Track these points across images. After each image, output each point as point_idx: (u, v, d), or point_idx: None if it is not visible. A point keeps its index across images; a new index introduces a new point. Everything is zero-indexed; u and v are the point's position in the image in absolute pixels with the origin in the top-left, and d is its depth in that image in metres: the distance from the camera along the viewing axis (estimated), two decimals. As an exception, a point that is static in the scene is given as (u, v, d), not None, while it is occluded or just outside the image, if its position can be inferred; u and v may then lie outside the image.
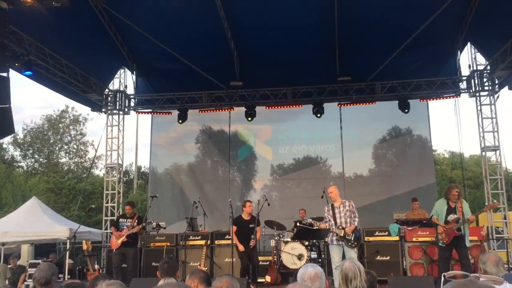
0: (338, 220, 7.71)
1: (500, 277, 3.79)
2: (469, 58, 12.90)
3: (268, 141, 15.61)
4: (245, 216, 8.92)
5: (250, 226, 8.78)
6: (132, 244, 9.41)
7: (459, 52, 13.07)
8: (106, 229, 13.14)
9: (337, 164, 15.06)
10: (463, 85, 13.06)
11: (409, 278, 8.82)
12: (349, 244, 7.56)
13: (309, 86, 13.35)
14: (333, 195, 7.91)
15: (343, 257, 7.42)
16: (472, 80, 12.76)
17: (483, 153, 12.57)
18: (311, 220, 8.48)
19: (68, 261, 11.59)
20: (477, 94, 12.69)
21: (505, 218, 11.92)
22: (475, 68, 12.74)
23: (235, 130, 15.53)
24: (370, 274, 4.70)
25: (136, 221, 9.40)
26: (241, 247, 8.73)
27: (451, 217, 7.58)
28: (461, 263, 7.64)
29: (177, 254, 10.49)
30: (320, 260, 9.79)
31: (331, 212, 7.83)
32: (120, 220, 9.59)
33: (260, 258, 10.38)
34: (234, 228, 8.88)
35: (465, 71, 13.04)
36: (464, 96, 13.11)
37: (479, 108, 12.66)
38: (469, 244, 7.62)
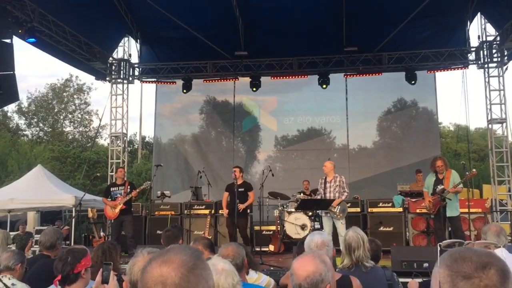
0: (327, 194, 8.32)
1: (502, 246, 3.81)
2: (478, 29, 12.69)
3: (272, 112, 15.55)
4: (236, 182, 8.90)
5: (239, 190, 8.74)
6: (129, 211, 9.28)
7: (468, 23, 12.82)
8: (111, 197, 13.23)
9: (342, 136, 15.03)
10: (471, 56, 12.87)
11: (412, 248, 8.88)
12: (335, 216, 8.21)
13: (315, 57, 13.18)
14: (326, 170, 8.46)
15: (333, 227, 8.23)
16: (481, 51, 12.57)
17: (490, 125, 12.49)
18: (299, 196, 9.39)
19: (66, 227, 11.72)
20: (486, 65, 12.52)
21: (509, 191, 11.93)
22: (484, 39, 12.52)
23: (239, 100, 15.46)
24: (374, 242, 4.71)
25: (129, 187, 9.21)
26: (225, 212, 8.89)
27: (438, 188, 7.64)
28: (453, 233, 7.75)
29: (182, 222, 10.57)
30: (323, 230, 9.85)
31: (323, 185, 8.45)
32: (112, 189, 9.30)
33: (263, 227, 10.49)
34: (226, 194, 9.02)
35: (474, 42, 12.86)
36: (472, 67, 12.98)
37: (487, 80, 12.51)
38: (455, 214, 7.62)
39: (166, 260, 1.26)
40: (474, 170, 8.05)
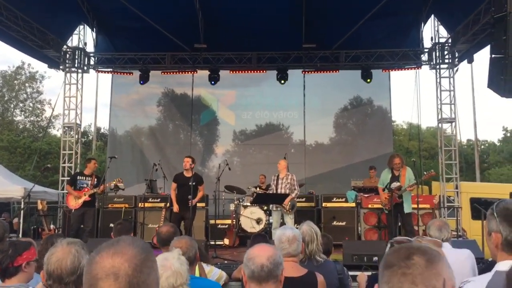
0: (279, 190, 8.76)
1: (444, 240, 3.98)
2: (431, 31, 13.09)
3: (231, 106, 15.54)
4: (186, 173, 8.72)
5: (190, 183, 8.48)
6: (93, 204, 9.11)
7: (422, 24, 13.23)
8: (62, 189, 12.87)
9: (299, 132, 15.21)
10: (424, 57, 13.28)
11: (363, 242, 9.10)
12: (285, 211, 8.66)
13: (274, 52, 13.25)
14: (280, 167, 8.99)
15: (282, 222, 8.62)
16: (433, 53, 12.98)
17: (440, 124, 12.92)
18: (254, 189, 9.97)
19: (15, 220, 11.34)
20: (438, 66, 12.94)
21: (456, 188, 12.41)
22: (437, 41, 12.94)
23: (198, 94, 15.36)
24: (326, 237, 4.81)
25: (96, 180, 9.06)
26: (175, 208, 8.63)
27: (394, 184, 7.90)
28: (404, 229, 8.03)
29: (136, 216, 10.43)
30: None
31: (275, 181, 8.90)
32: (79, 177, 9.07)
33: (219, 221, 10.49)
34: (174, 185, 8.78)
35: (427, 44, 13.27)
36: (425, 68, 13.38)
37: (438, 80, 12.93)
38: (410, 210, 7.94)
39: (118, 251, 1.24)
40: (432, 170, 8.35)
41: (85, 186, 8.90)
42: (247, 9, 12.07)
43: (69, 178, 9.14)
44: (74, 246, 2.13)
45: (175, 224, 8.28)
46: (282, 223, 8.57)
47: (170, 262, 2.59)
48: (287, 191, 8.71)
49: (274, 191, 8.81)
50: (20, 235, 10.05)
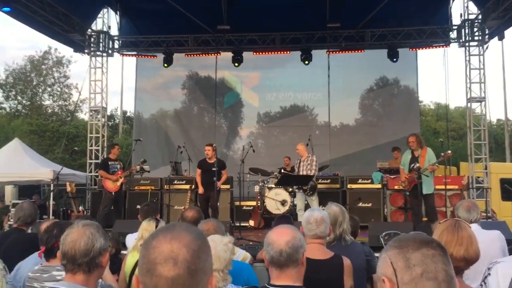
0: (301, 173, 9.03)
1: (473, 221, 3.89)
2: (461, 7, 12.67)
3: (255, 87, 15.48)
4: (209, 160, 8.92)
5: (213, 169, 8.69)
6: (121, 187, 9.47)
7: (451, 0, 12.82)
8: (90, 172, 13.10)
9: (324, 113, 15.07)
10: (453, 34, 12.89)
11: (389, 223, 9.02)
12: (306, 192, 8.89)
13: (298, 32, 13.06)
14: (299, 151, 9.22)
15: (306, 204, 8.78)
16: (463, 30, 12.58)
17: (469, 104, 12.59)
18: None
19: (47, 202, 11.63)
20: (467, 44, 12.56)
21: (485, 169, 12.14)
22: (466, 18, 12.53)
23: (222, 76, 15.34)
24: (353, 219, 4.75)
25: (121, 163, 9.40)
26: (200, 189, 8.89)
27: (414, 165, 7.75)
28: (425, 210, 7.92)
29: (162, 198, 10.55)
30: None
31: (298, 165, 9.22)
32: (110, 163, 9.39)
33: (244, 203, 10.53)
34: (199, 171, 9.00)
35: (456, 20, 12.86)
36: (454, 46, 13.00)
37: (467, 58, 12.56)
38: (429, 191, 7.74)
39: (175, 236, 1.25)
40: (449, 151, 8.16)
41: (116, 170, 9.23)
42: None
43: (99, 164, 9.41)
44: (89, 228, 2.15)
45: (200, 207, 8.48)
46: (307, 205, 8.57)
47: (214, 245, 2.63)
48: (307, 172, 8.87)
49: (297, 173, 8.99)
50: (50, 217, 10.31)
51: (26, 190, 14.78)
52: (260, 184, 10.52)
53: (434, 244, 1.31)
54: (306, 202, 8.88)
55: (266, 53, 13.49)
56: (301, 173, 8.99)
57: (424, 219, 8.00)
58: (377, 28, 12.72)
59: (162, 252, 1.22)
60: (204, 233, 1.35)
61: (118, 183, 9.19)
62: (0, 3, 9.49)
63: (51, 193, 10.98)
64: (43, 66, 33.01)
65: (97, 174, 12.93)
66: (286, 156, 11.77)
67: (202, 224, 3.48)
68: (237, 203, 10.27)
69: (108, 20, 13.85)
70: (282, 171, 10.90)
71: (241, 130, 15.71)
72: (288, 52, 13.53)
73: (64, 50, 33.10)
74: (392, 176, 10.14)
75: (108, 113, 14.83)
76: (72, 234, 2.13)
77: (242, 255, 4.07)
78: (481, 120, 12.45)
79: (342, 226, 3.60)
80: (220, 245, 2.73)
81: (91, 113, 13.90)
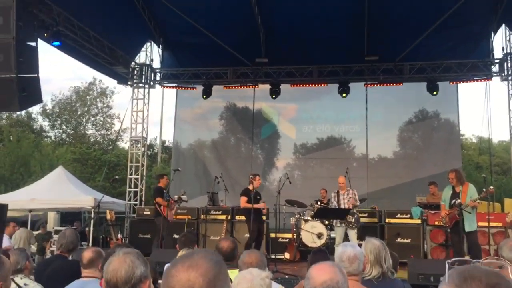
0: (342, 206, 8.84)
1: None
2: (503, 40, 12.49)
3: (292, 119, 15.55)
4: (252, 189, 8.89)
5: (258, 198, 8.84)
6: None
7: (492, 34, 12.65)
8: (129, 200, 13.37)
9: (361, 145, 14.94)
10: (495, 68, 12.68)
11: (429, 261, 8.77)
12: (350, 225, 8.73)
13: (335, 65, 13.14)
14: (343, 184, 9.08)
15: (345, 237, 8.65)
16: (505, 63, 12.37)
17: (512, 138, 12.24)
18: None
19: (86, 229, 11.85)
20: (509, 77, 12.31)
21: (531, 206, 11.64)
22: (508, 51, 12.32)
23: (259, 107, 15.50)
24: (392, 255, 4.65)
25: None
26: (263, 206, 8.99)
27: (455, 201, 7.53)
28: (468, 248, 7.65)
29: (198, 227, 10.62)
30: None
31: (336, 198, 9.02)
32: (164, 191, 9.58)
33: (279, 235, 10.45)
34: (246, 199, 8.88)
35: (498, 54, 12.66)
36: (496, 79, 12.77)
37: (510, 92, 12.29)
38: (472, 228, 7.48)
39: (192, 265, 1.29)
40: (491, 187, 7.92)
41: (169, 198, 9.40)
42: (308, 23, 12.10)
43: (155, 192, 9.51)
44: (130, 256, 2.19)
45: (251, 237, 8.51)
46: (346, 239, 8.42)
47: (251, 277, 2.63)
48: (350, 205, 8.75)
49: (337, 207, 8.86)
50: (90, 244, 10.52)
51: (68, 216, 15.16)
52: (296, 216, 10.45)
53: None
54: (345, 236, 8.72)
55: (304, 85, 13.60)
56: (342, 206, 8.86)
57: (466, 256, 7.72)
58: (416, 61, 12.66)
59: (180, 280, 1.27)
60: (222, 261, 1.37)
61: (173, 212, 9.47)
62: (50, 37, 9.99)
63: (92, 220, 11.23)
64: (87, 97, 34.27)
65: (136, 202, 13.21)
66: (322, 188, 11.67)
67: (245, 256, 3.45)
68: (273, 234, 10.20)
69: (151, 53, 14.38)
70: (319, 203, 10.81)
71: (278, 161, 15.73)
72: (326, 85, 13.59)
73: (108, 81, 34.35)
74: (432, 212, 9.87)
75: (148, 142, 15.17)
76: (113, 262, 2.19)
77: (277, 289, 4.03)
78: (526, 155, 12.04)
79: (388, 260, 3.52)
80: (257, 279, 2.72)
81: (131, 143, 14.28)
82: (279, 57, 13.09)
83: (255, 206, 8.64)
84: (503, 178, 21.51)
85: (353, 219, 8.71)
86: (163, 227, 9.16)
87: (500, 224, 9.51)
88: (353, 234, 8.69)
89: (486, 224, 8.29)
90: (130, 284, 2.14)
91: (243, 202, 8.92)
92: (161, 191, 9.52)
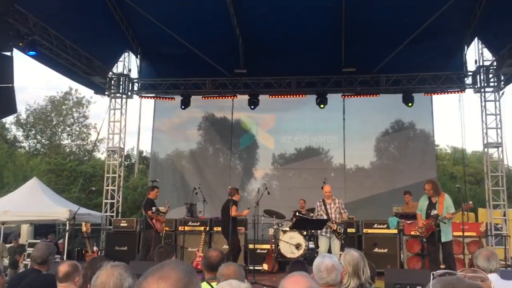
0: (330, 216, 8.60)
1: (492, 270, 3.81)
2: (475, 54, 12.83)
3: (270, 130, 15.60)
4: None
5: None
6: None
7: (466, 47, 12.98)
8: (106, 211, 13.18)
9: (339, 156, 15.07)
10: (468, 80, 12.99)
11: (406, 270, 8.86)
12: (339, 236, 8.53)
13: (314, 76, 13.28)
14: (327, 193, 8.83)
15: (329, 248, 8.48)
16: (478, 76, 12.68)
17: (485, 149, 12.52)
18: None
19: (60, 242, 11.63)
20: (482, 90, 12.62)
21: (504, 215, 11.91)
22: (481, 64, 12.65)
23: (237, 118, 15.53)
24: (370, 266, 4.69)
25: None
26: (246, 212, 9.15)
27: (432, 212, 7.65)
28: (443, 258, 7.78)
29: (176, 239, 10.53)
30: (317, 250, 9.81)
31: (323, 207, 8.72)
32: (154, 204, 9.54)
33: (258, 246, 10.44)
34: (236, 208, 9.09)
35: (471, 67, 12.99)
36: (469, 91, 13.07)
37: (483, 104, 12.60)
38: (448, 239, 7.62)
39: (163, 276, 1.29)
40: (470, 202, 8.05)
41: (160, 212, 9.41)
42: (287, 35, 12.22)
43: (146, 205, 9.40)
44: (117, 269, 2.24)
45: (234, 248, 8.50)
46: (330, 250, 8.42)
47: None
48: (338, 216, 8.67)
49: (324, 216, 8.61)
50: (65, 257, 10.32)
51: (42, 229, 14.86)
52: (275, 227, 10.45)
53: None
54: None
55: (282, 96, 13.69)
56: (332, 216, 8.62)
57: (442, 266, 7.84)
58: (392, 73, 12.89)
59: None
60: (193, 271, 1.37)
61: (164, 224, 9.44)
62: (26, 47, 9.86)
63: (66, 233, 11.02)
64: (63, 106, 33.81)
65: (112, 214, 13.03)
66: (301, 198, 11.72)
67: (224, 268, 3.45)
68: (251, 246, 10.18)
69: (129, 63, 14.29)
70: (298, 213, 10.84)
71: (256, 171, 15.74)
72: (304, 96, 13.72)
73: (84, 91, 33.98)
74: (408, 222, 10.01)
75: (125, 153, 15.02)
76: (101, 275, 2.22)
77: (256, 300, 4.02)
78: (499, 166, 12.33)
79: (366, 272, 3.55)
80: None
81: (108, 153, 14.12)
82: (257, 68, 13.17)
83: (245, 213, 9.22)
84: (477, 188, 21.94)
85: (342, 230, 8.62)
86: (155, 240, 9.06)
87: (474, 234, 9.69)
88: (337, 245, 8.50)
89: (460, 234, 8.43)
90: None
91: (234, 211, 9.11)
92: (151, 204, 9.48)
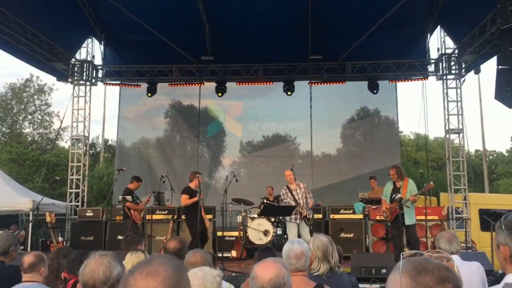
0: (299, 201, 8.47)
1: (454, 252, 3.96)
2: (438, 42, 13.10)
3: (238, 117, 15.59)
4: (194, 188, 8.85)
5: (201, 196, 8.90)
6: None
7: (429, 35, 13.23)
8: (71, 201, 12.92)
9: (306, 143, 15.22)
10: (431, 68, 13.27)
11: (371, 254, 9.08)
12: (308, 222, 8.47)
13: (281, 64, 13.30)
14: (289, 178, 8.66)
15: (298, 233, 8.39)
16: (440, 63, 12.97)
17: (447, 135, 12.87)
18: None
19: (22, 232, 11.38)
20: (444, 77, 12.92)
21: (465, 199, 12.32)
22: (443, 52, 12.93)
23: (205, 105, 15.45)
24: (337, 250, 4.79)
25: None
26: (207, 219, 8.94)
27: (396, 196, 7.86)
28: (407, 241, 8.02)
29: (143, 228, 10.43)
30: (285, 236, 9.92)
31: (289, 194, 8.57)
32: (133, 194, 9.49)
33: (226, 233, 10.48)
34: (188, 196, 8.81)
35: (434, 54, 13.26)
36: (432, 79, 13.35)
37: (445, 91, 12.90)
38: (411, 222, 7.85)
39: (151, 272, 1.24)
40: (431, 183, 8.32)
41: (138, 201, 9.42)
42: (253, 22, 12.16)
43: (125, 193, 9.38)
44: (106, 258, 2.26)
45: (194, 237, 8.45)
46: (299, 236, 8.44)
47: (203, 275, 2.63)
48: (305, 201, 8.53)
49: (292, 203, 8.46)
50: (29, 248, 10.09)
51: (4, 220, 14.46)
52: (243, 214, 10.49)
53: (450, 286, 1.26)
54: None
55: (249, 83, 13.67)
56: (300, 201, 8.46)
57: (406, 249, 8.07)
58: (357, 60, 13.04)
59: None
60: (183, 266, 1.34)
61: (142, 214, 9.43)
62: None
63: (30, 223, 10.76)
64: (24, 94, 32.76)
65: (77, 203, 12.80)
66: (269, 186, 11.79)
67: (190, 256, 3.44)
68: (219, 233, 10.21)
69: (92, 50, 13.93)
70: (265, 201, 10.92)
71: (224, 159, 15.74)
72: (271, 83, 13.73)
73: (46, 78, 33.01)
74: (373, 207, 10.24)
75: (90, 141, 14.72)
76: (90, 264, 2.23)
77: (226, 286, 4.05)
78: (460, 151, 12.70)
79: (335, 256, 3.61)
80: (209, 276, 2.72)
81: (72, 142, 13.80)
82: (224, 55, 13.08)
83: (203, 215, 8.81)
84: (439, 173, 22.61)
85: (311, 216, 8.58)
86: (131, 230, 8.98)
87: (436, 218, 10.00)
88: (307, 230, 8.39)
89: (423, 217, 8.68)
90: (108, 285, 2.19)
91: (184, 199, 8.89)
92: (131, 194, 9.43)
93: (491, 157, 37.29)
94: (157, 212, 10.57)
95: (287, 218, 8.64)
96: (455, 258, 3.89)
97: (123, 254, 4.03)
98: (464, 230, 11.00)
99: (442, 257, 3.04)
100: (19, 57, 11.88)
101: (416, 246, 7.78)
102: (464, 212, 12.21)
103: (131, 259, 3.71)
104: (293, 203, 8.44)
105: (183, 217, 10.59)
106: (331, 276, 3.51)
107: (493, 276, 5.06)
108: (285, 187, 8.68)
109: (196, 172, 9.28)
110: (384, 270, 6.29)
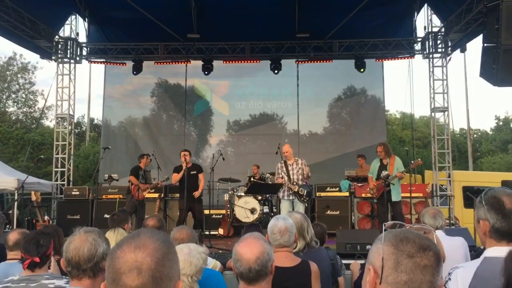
0: (292, 177, 8.19)
1: (438, 227, 4.05)
2: (425, 20, 13.10)
3: (224, 96, 15.52)
4: (185, 165, 8.82)
5: (191, 173, 8.78)
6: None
7: (416, 14, 13.21)
8: (56, 180, 12.85)
9: (293, 122, 15.23)
10: (417, 46, 13.29)
11: (356, 231, 9.20)
12: (301, 199, 8.15)
13: (268, 42, 13.22)
14: (289, 154, 8.36)
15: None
16: (427, 42, 12.99)
17: (433, 114, 12.98)
18: (268, 174, 9.13)
19: (10, 212, 11.32)
20: (431, 55, 12.96)
21: (449, 177, 12.51)
22: (430, 30, 12.95)
23: (191, 84, 15.33)
24: (320, 226, 4.86)
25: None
26: (198, 193, 8.87)
27: (383, 173, 7.94)
28: (393, 217, 8.13)
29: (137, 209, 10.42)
30: (272, 214, 10.01)
31: (284, 169, 8.27)
32: (140, 172, 9.45)
33: (213, 211, 10.54)
34: (175, 174, 8.92)
35: (420, 33, 13.26)
36: (418, 57, 13.40)
37: (431, 69, 12.97)
38: (398, 198, 7.95)
39: (139, 245, 1.25)
40: (419, 159, 8.41)
41: (144, 181, 9.44)
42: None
43: (132, 170, 9.59)
44: (91, 235, 2.22)
45: (180, 216, 8.47)
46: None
47: (189, 251, 2.65)
48: (300, 177, 8.22)
49: (285, 178, 8.19)
50: (15, 226, 10.05)
51: (-11, 199, 14.37)
52: (230, 192, 10.54)
53: (431, 254, 1.30)
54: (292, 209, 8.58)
55: (236, 62, 13.58)
56: (292, 177, 8.17)
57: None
58: (344, 39, 12.99)
59: (127, 262, 1.22)
60: (170, 240, 1.35)
61: (145, 193, 9.43)
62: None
63: (15, 203, 10.69)
64: (7, 72, 32.20)
65: (63, 182, 12.73)
66: (255, 164, 11.84)
67: (176, 233, 3.47)
68: (206, 211, 10.25)
69: (76, 27, 13.69)
70: (251, 179, 10.96)
71: (211, 138, 15.71)
72: (258, 61, 13.65)
73: (29, 56, 32.44)
74: (359, 184, 10.35)
75: (75, 120, 14.56)
76: (75, 241, 2.19)
77: (212, 263, 4.10)
78: (445, 130, 12.83)
79: (310, 231, 3.66)
80: (195, 252, 2.75)
81: (57, 121, 13.65)
82: (211, 33, 12.93)
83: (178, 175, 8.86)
84: (424, 151, 22.82)
85: (305, 192, 8.14)
86: (128, 205, 9.15)
87: (421, 195, 10.15)
88: (301, 208, 8.07)
89: (408, 194, 8.80)
90: (93, 262, 2.16)
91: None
92: (137, 171, 9.52)
93: (475, 135, 37.75)
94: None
95: (280, 195, 8.39)
96: (440, 233, 3.98)
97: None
98: (448, 207, 11.18)
99: (422, 228, 3.09)
100: (1, 35, 11.63)
101: (402, 222, 7.87)
102: (448, 189, 12.41)
103: (114, 237, 3.71)
104: (285, 178, 8.18)
105: (170, 195, 10.65)
106: (308, 251, 3.56)
107: (475, 251, 5.17)
108: (282, 161, 8.41)
109: (183, 150, 9.29)
110: (369, 246, 6.33)
